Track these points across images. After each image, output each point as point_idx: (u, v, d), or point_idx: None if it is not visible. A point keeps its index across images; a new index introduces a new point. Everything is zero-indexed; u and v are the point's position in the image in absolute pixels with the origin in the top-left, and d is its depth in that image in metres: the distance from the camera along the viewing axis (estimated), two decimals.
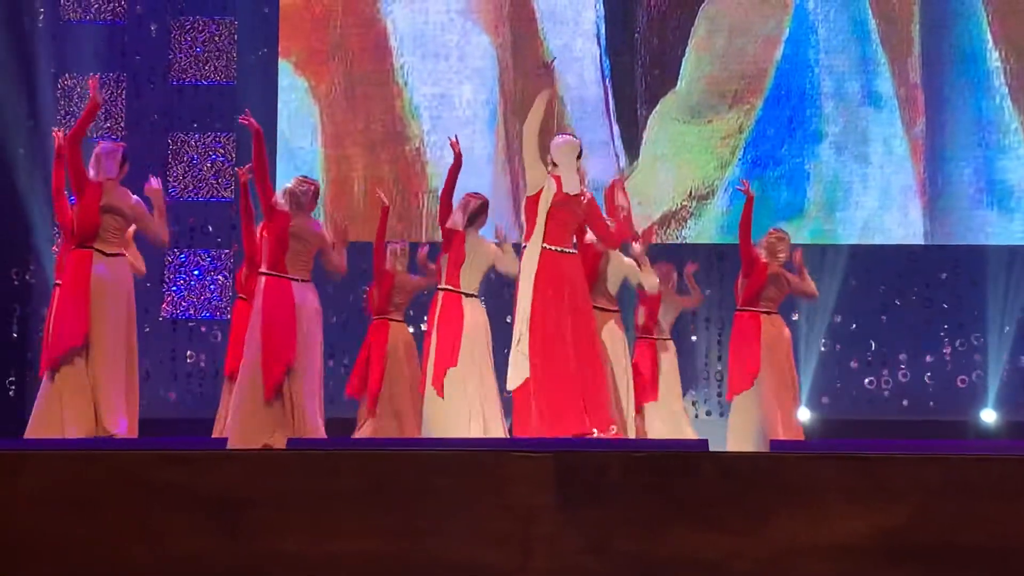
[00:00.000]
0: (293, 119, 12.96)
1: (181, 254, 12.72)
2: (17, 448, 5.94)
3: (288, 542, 4.86)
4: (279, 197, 7.62)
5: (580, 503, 4.87)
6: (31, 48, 12.82)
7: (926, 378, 12.56)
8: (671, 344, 9.65)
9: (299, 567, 4.86)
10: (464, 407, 7.65)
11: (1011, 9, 12.74)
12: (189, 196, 12.78)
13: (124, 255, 7.65)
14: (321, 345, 7.77)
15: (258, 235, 7.94)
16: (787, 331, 9.05)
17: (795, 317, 12.39)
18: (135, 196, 7.68)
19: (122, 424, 7.34)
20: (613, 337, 8.33)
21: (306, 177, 7.89)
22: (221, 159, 12.81)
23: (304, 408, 7.47)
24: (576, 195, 7.30)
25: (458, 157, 8.07)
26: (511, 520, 4.84)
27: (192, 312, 12.73)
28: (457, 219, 8.03)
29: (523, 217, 7.38)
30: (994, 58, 12.69)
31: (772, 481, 4.91)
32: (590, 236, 8.05)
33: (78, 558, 4.90)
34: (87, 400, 7.35)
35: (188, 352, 12.67)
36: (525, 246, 7.31)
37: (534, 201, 7.27)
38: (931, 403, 12.51)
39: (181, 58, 13.06)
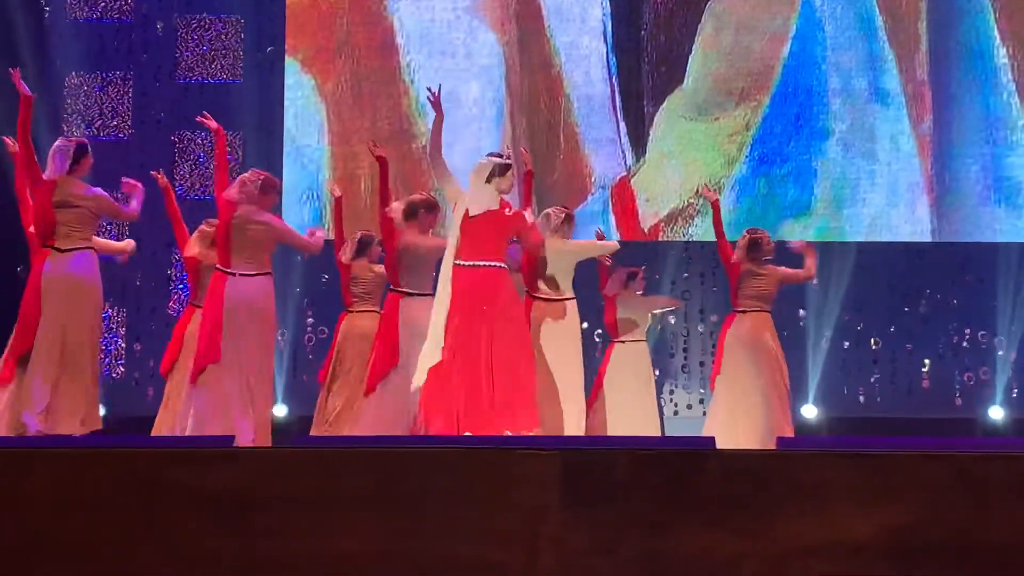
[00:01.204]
0: (300, 117, 12.97)
1: None
2: (24, 447, 5.96)
3: (294, 541, 4.86)
4: (232, 187, 7.59)
5: (587, 502, 4.86)
6: (37, 47, 12.81)
7: (934, 375, 12.54)
8: (642, 346, 9.35)
9: (306, 566, 4.85)
10: (402, 406, 7.68)
11: (1018, 5, 12.71)
12: (196, 195, 12.76)
13: (88, 250, 7.48)
14: (262, 336, 7.51)
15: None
16: (756, 326, 8.78)
17: (802, 314, 12.38)
18: (93, 187, 7.58)
19: (34, 421, 7.24)
20: (554, 331, 8.21)
21: (261, 171, 7.83)
22: (228, 157, 12.76)
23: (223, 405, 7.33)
24: (485, 212, 7.24)
25: (384, 163, 8.14)
26: (518, 519, 4.83)
27: None
28: (398, 218, 8.02)
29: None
30: (1001, 54, 12.66)
31: (780, 479, 4.90)
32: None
33: (85, 557, 4.90)
34: (12, 399, 7.29)
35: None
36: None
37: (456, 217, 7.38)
38: (939, 400, 12.48)
39: (187, 56, 13.06)
